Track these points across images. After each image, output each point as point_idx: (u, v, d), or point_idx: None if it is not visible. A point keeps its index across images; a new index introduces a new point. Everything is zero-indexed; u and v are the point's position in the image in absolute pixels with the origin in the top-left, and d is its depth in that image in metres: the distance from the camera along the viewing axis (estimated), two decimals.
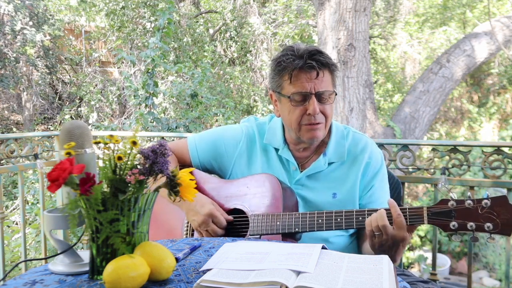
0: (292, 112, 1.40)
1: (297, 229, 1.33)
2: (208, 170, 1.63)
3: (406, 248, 1.39)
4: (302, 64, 1.36)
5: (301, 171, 1.49)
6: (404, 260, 3.26)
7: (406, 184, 2.57)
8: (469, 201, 1.16)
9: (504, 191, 2.58)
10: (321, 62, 1.37)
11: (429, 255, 6.31)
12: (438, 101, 5.94)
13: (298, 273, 0.91)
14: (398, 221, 1.20)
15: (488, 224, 1.13)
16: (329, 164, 1.47)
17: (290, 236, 1.38)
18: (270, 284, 0.85)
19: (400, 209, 1.23)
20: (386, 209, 1.24)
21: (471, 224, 1.15)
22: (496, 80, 9.69)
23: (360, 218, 1.28)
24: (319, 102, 1.38)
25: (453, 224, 1.17)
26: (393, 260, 1.27)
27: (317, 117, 1.38)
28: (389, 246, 1.22)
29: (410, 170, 2.26)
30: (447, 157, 2.20)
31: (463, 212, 1.17)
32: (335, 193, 1.45)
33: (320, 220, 1.32)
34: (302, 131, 1.42)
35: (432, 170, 2.26)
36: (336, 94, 1.42)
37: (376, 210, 1.26)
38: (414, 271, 6.31)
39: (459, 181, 2.19)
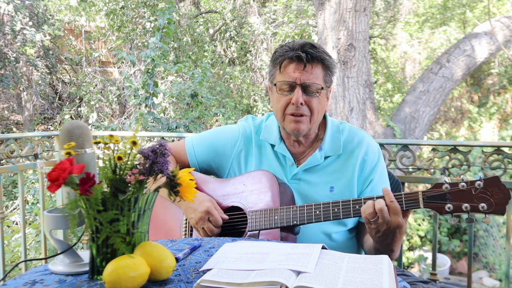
0: (278, 101, 1.44)
1: (295, 222, 1.34)
2: (206, 171, 1.64)
3: (403, 237, 1.41)
4: (292, 54, 1.40)
5: (297, 167, 1.50)
6: (404, 260, 3.26)
7: (406, 184, 2.57)
8: (462, 183, 1.18)
9: None
10: (311, 55, 1.40)
11: (429, 255, 6.31)
12: (438, 101, 5.94)
13: (298, 273, 0.91)
14: (392, 206, 1.22)
15: (483, 204, 1.16)
16: (325, 158, 1.49)
17: (289, 230, 1.38)
18: (270, 284, 0.85)
19: (396, 194, 1.25)
20: (380, 196, 1.26)
21: (466, 205, 1.17)
22: (496, 80, 9.70)
23: (357, 207, 1.29)
24: (304, 94, 1.40)
25: (448, 206, 1.19)
26: (391, 249, 1.30)
27: (301, 108, 1.40)
28: (385, 232, 1.24)
29: (410, 170, 2.26)
30: (447, 157, 2.20)
31: (458, 194, 1.19)
32: (332, 187, 1.46)
33: (317, 212, 1.32)
34: (286, 121, 1.44)
35: (432, 170, 2.26)
36: (322, 89, 1.42)
37: (372, 198, 1.27)
38: (414, 271, 6.32)
39: (459, 181, 2.18)
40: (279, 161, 1.52)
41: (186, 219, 1.54)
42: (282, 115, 1.44)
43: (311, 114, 1.42)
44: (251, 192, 1.44)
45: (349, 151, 1.48)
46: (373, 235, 1.28)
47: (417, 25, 10.21)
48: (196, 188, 1.53)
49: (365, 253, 1.48)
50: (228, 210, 1.48)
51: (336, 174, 1.47)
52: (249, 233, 1.39)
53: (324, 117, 1.56)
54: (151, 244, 0.94)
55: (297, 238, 1.41)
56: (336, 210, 1.31)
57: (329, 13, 5.20)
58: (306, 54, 1.39)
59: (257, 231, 1.38)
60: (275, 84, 1.46)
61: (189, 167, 1.63)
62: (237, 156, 1.56)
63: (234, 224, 1.47)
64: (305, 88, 1.40)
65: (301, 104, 1.39)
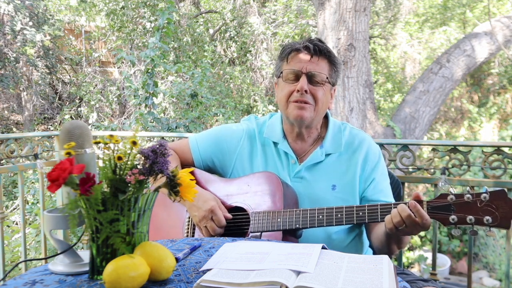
0: (283, 89, 1.47)
1: (297, 226, 1.34)
2: (210, 168, 1.64)
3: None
4: (299, 46, 1.45)
5: (300, 164, 1.51)
6: (404, 260, 3.26)
7: (406, 184, 2.57)
8: (468, 195, 1.18)
9: None
10: (319, 47, 1.44)
11: (429, 255, 6.31)
12: (438, 101, 5.94)
13: (298, 273, 0.91)
14: (418, 214, 1.20)
15: (487, 217, 1.15)
16: (327, 155, 1.50)
17: (291, 233, 1.38)
18: (270, 284, 0.85)
19: (400, 203, 1.25)
20: (394, 206, 1.25)
21: (470, 218, 1.17)
22: (496, 80, 9.69)
23: (361, 214, 1.29)
24: (310, 83, 1.43)
25: (453, 217, 1.19)
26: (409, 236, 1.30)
27: (306, 96, 1.42)
28: (411, 231, 1.23)
29: (410, 170, 2.26)
30: (447, 157, 2.20)
31: (462, 206, 1.19)
32: (334, 185, 1.47)
33: (320, 216, 1.33)
34: (289, 109, 1.46)
35: (432, 170, 2.26)
36: (327, 80, 1.45)
37: (376, 206, 1.28)
38: (414, 271, 6.31)
39: (459, 181, 2.19)
40: (282, 159, 1.53)
41: (189, 218, 1.54)
42: (285, 103, 1.46)
43: (315, 104, 1.44)
44: (255, 193, 1.44)
45: (351, 152, 1.50)
46: (399, 233, 1.25)
47: (417, 25, 10.21)
48: (200, 186, 1.54)
49: (373, 242, 1.48)
50: (231, 210, 1.48)
51: (337, 173, 1.49)
52: (251, 234, 1.39)
53: (326, 117, 1.58)
54: (151, 244, 0.94)
55: None
56: (339, 216, 1.31)
57: (329, 13, 5.20)
58: (314, 45, 1.43)
59: (259, 233, 1.38)
60: (281, 73, 1.48)
61: (192, 164, 1.63)
62: (241, 154, 1.57)
63: (236, 224, 1.47)
64: (311, 78, 1.43)
65: (306, 92, 1.41)
